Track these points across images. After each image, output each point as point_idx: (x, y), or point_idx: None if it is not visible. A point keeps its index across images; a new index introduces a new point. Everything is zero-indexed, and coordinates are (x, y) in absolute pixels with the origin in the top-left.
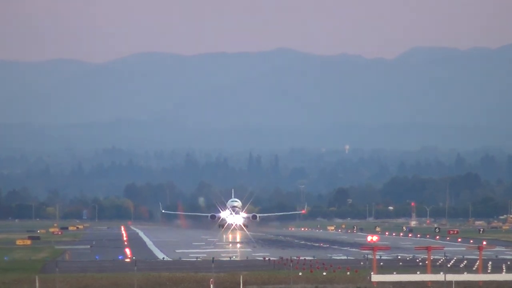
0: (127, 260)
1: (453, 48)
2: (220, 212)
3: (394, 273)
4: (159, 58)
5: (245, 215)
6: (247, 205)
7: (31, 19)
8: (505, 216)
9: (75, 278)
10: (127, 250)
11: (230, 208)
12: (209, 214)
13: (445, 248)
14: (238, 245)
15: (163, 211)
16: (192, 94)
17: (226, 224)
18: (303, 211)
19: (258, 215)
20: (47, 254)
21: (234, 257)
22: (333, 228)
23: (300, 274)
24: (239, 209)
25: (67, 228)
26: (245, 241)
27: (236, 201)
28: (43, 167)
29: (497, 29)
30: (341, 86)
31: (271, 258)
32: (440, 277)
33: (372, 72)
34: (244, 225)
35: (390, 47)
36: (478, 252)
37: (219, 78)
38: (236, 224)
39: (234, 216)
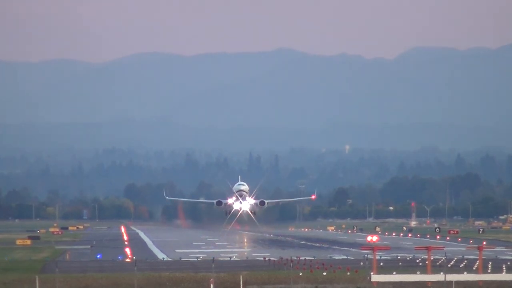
0: (127, 260)
1: (453, 48)
2: (226, 198)
3: (394, 273)
4: (159, 58)
5: (252, 201)
6: (254, 191)
7: (31, 19)
8: (505, 216)
9: (75, 278)
10: (127, 250)
11: (236, 193)
12: (215, 200)
13: (445, 248)
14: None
15: (167, 197)
16: (192, 94)
17: (232, 211)
18: (313, 196)
19: (266, 201)
20: (47, 254)
21: (234, 257)
22: (333, 228)
23: (300, 274)
24: (246, 194)
25: (67, 228)
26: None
27: (243, 184)
28: (43, 167)
29: (497, 29)
30: (341, 86)
31: (271, 258)
32: (440, 277)
33: (372, 72)
34: (251, 212)
35: (390, 47)
36: (478, 252)
37: (219, 78)
38: (243, 211)
39: (241, 202)
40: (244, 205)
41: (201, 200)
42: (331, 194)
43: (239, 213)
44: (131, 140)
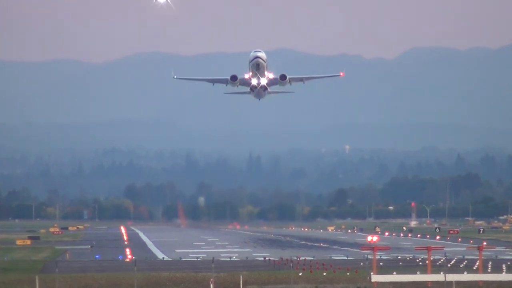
0: (127, 260)
1: (452, 48)
2: (242, 74)
3: (394, 273)
4: (159, 58)
5: (271, 75)
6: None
7: (30, 19)
8: (505, 216)
9: (75, 278)
10: (127, 250)
11: (252, 62)
12: (229, 76)
13: (445, 248)
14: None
15: (175, 77)
16: (192, 94)
17: (250, 86)
18: (341, 73)
19: (288, 75)
20: (47, 254)
21: (234, 257)
22: (333, 228)
23: (300, 274)
24: (264, 64)
25: (67, 228)
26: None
27: (259, 51)
28: (43, 167)
29: (497, 29)
30: (341, 86)
31: (271, 258)
32: (440, 277)
33: (372, 72)
34: (268, 87)
35: (390, 47)
36: (478, 252)
37: None
38: (261, 86)
39: (259, 78)
40: (262, 80)
41: (213, 77)
42: (331, 195)
43: (257, 89)
44: (131, 140)
